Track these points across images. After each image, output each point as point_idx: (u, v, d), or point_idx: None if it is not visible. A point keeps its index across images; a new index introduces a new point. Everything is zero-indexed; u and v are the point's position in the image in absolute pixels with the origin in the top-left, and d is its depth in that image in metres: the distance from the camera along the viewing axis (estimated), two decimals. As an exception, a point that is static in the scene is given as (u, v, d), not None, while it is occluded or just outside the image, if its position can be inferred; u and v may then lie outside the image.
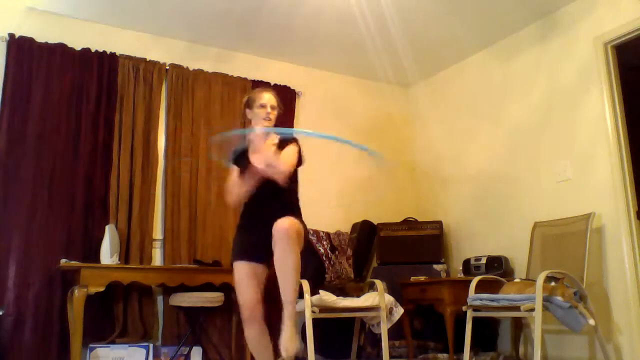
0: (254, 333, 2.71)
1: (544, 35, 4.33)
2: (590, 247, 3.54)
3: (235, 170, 2.84)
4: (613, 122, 3.79)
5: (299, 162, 2.83)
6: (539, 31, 4.38)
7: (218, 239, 4.38)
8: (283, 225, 2.50)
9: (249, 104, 2.92)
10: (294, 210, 2.81)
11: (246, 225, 2.83)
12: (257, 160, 2.71)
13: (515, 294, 3.41)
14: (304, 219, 2.80)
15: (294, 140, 2.85)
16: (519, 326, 4.21)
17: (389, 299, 3.84)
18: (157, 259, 4.24)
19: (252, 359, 3.97)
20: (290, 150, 2.77)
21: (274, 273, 2.61)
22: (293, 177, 2.84)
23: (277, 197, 2.75)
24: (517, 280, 3.75)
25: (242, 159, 2.82)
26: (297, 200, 2.91)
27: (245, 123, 4.59)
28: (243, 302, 2.70)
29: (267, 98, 2.89)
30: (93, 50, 4.22)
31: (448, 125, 5.20)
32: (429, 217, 5.06)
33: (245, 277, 2.71)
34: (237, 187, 2.79)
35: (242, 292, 2.71)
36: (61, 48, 4.10)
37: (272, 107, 2.88)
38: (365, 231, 4.91)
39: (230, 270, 4.11)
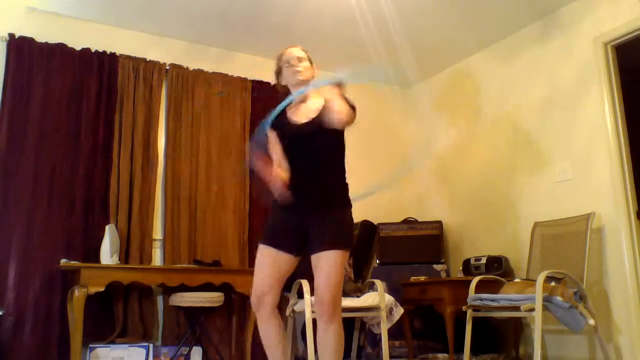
0: (262, 325, 2.43)
1: (544, 35, 4.33)
2: (590, 247, 3.54)
3: (273, 135, 2.52)
4: (613, 122, 3.79)
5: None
6: (539, 31, 4.38)
7: (218, 239, 4.38)
8: (325, 297, 2.24)
9: (278, 71, 2.67)
10: (340, 189, 2.47)
11: (281, 203, 2.42)
12: (301, 115, 2.48)
13: (515, 294, 3.41)
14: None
15: (336, 84, 2.40)
16: (519, 326, 4.21)
17: (389, 299, 3.83)
18: (157, 259, 4.24)
19: (252, 359, 4.00)
20: (337, 97, 2.33)
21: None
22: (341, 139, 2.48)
23: (317, 166, 2.42)
24: (517, 280, 3.75)
25: (279, 122, 2.51)
26: (344, 169, 2.52)
27: (250, 121, 4.64)
28: (253, 286, 2.44)
29: (289, 52, 2.60)
30: (93, 50, 4.22)
31: (448, 125, 5.20)
32: (429, 217, 5.05)
33: (263, 261, 2.45)
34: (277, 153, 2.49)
35: (256, 275, 2.45)
36: (61, 48, 4.10)
37: (299, 59, 2.56)
38: (365, 231, 4.91)
39: (230, 270, 4.16)
